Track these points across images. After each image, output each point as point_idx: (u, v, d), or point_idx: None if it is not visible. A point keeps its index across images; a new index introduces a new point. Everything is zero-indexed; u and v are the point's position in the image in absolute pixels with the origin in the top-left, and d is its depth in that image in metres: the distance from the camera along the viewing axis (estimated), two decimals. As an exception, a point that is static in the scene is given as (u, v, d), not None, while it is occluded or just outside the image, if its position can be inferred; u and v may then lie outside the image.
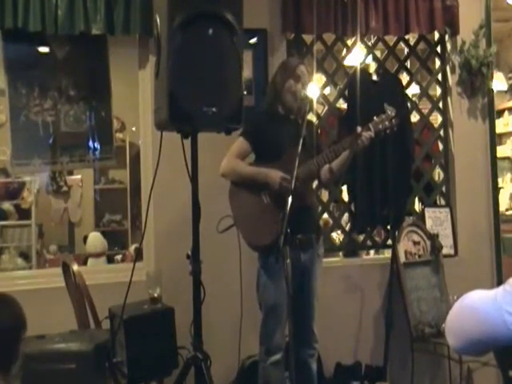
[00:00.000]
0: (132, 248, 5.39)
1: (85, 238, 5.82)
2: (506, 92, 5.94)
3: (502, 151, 5.53)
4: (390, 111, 2.91)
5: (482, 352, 1.44)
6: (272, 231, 2.70)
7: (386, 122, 2.88)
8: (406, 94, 4.05)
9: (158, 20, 2.50)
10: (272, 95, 3.01)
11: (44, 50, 3.51)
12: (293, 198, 2.40)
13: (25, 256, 5.56)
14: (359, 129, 2.85)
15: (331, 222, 3.98)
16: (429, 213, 3.95)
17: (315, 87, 3.93)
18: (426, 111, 4.11)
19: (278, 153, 2.87)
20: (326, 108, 3.89)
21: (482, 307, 1.35)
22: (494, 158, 4.04)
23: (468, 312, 1.38)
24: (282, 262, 2.30)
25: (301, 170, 2.63)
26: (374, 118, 2.91)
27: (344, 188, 4.01)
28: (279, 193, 2.77)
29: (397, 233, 3.69)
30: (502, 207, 5.10)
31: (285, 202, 2.57)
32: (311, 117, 3.73)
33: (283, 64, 3.09)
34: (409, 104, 4.01)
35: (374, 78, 3.99)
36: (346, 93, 3.89)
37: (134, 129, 5.90)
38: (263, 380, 2.88)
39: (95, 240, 5.60)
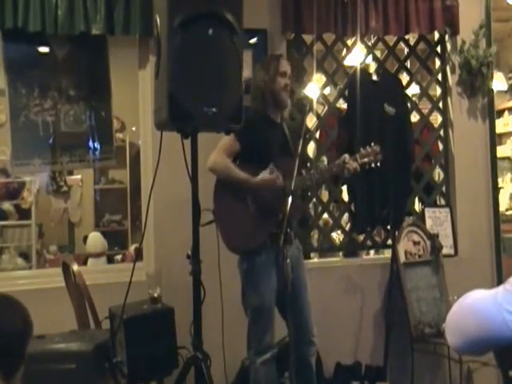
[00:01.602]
0: (132, 248, 5.39)
1: (85, 238, 5.82)
2: (506, 92, 5.94)
3: (502, 151, 5.53)
4: (376, 146, 3.00)
5: (482, 351, 1.44)
6: (255, 236, 2.77)
7: (372, 157, 2.97)
8: (406, 94, 4.05)
9: (158, 20, 2.49)
10: (259, 99, 2.96)
11: (44, 49, 3.50)
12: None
13: (25, 256, 5.56)
14: (347, 157, 2.91)
15: (331, 221, 3.98)
16: (429, 213, 3.95)
17: (315, 87, 3.94)
18: (426, 111, 4.11)
19: (265, 159, 2.86)
20: (326, 108, 3.89)
21: (483, 306, 1.35)
22: (494, 158, 4.04)
23: (468, 311, 1.38)
24: (283, 262, 2.30)
25: (288, 184, 2.59)
26: (361, 149, 2.99)
27: (344, 188, 4.01)
28: (265, 200, 2.80)
29: (397, 233, 3.69)
30: (502, 207, 5.10)
31: (269, 210, 2.71)
32: (311, 117, 3.73)
33: (263, 65, 3.01)
34: (409, 104, 4.01)
35: (374, 78, 3.99)
36: (346, 93, 3.89)
37: (133, 129, 5.90)
38: (255, 381, 2.88)
39: (95, 240, 5.60)
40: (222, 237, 2.86)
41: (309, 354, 2.94)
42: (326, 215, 3.93)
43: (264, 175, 2.82)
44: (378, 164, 3.01)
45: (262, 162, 2.85)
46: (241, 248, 2.86)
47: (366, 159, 2.96)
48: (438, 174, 4.24)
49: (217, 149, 2.91)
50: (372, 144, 3.01)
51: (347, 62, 4.02)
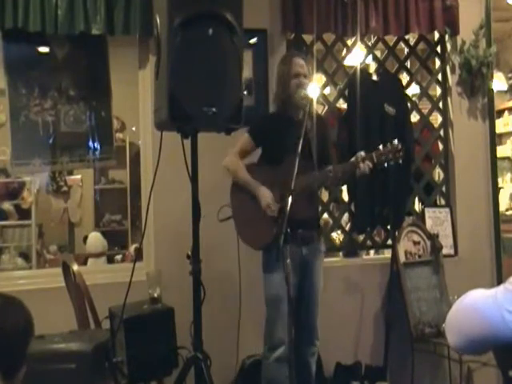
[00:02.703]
0: (132, 248, 5.39)
1: (85, 238, 5.83)
2: (506, 92, 5.94)
3: (502, 151, 5.53)
4: (397, 142, 2.85)
5: (482, 351, 1.44)
6: (269, 232, 2.76)
7: (390, 155, 2.84)
8: (406, 94, 4.05)
9: (158, 20, 2.50)
10: (279, 98, 3.02)
11: (44, 49, 3.50)
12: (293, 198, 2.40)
13: (25, 256, 5.57)
14: (362, 154, 2.83)
15: (331, 221, 3.98)
16: (429, 213, 3.95)
17: (315, 87, 3.94)
18: (425, 111, 4.11)
19: (281, 155, 2.87)
20: (326, 108, 3.89)
21: (482, 305, 1.35)
22: (493, 158, 4.04)
23: (468, 310, 1.38)
24: (283, 262, 2.30)
25: (298, 183, 2.51)
26: (380, 147, 2.87)
27: (344, 188, 4.01)
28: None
29: (397, 233, 3.69)
30: (502, 207, 5.10)
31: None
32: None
33: (282, 62, 3.09)
34: (409, 104, 4.01)
35: (374, 78, 3.99)
36: (346, 93, 3.89)
37: (134, 129, 5.90)
38: (267, 378, 2.88)
39: (95, 240, 5.61)
40: (238, 233, 2.92)
41: (307, 354, 2.94)
42: (326, 215, 3.93)
43: (265, 191, 2.85)
44: (400, 161, 2.87)
45: (278, 162, 2.86)
46: (256, 243, 2.88)
47: (383, 158, 2.83)
48: (438, 174, 4.24)
49: (230, 150, 2.98)
50: (395, 141, 2.86)
51: (347, 62, 4.02)
